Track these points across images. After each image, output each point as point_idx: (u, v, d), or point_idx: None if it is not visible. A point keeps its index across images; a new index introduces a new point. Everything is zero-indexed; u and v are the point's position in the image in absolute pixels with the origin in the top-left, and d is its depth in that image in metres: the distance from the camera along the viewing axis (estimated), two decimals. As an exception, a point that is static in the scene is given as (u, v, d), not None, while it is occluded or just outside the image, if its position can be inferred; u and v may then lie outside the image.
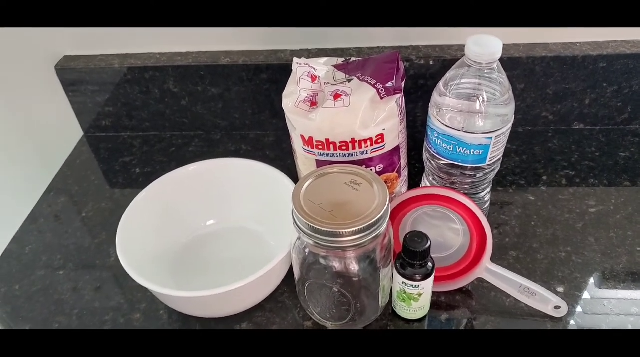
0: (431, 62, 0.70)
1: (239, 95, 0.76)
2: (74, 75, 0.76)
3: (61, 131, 0.84)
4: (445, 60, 0.70)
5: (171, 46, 0.76)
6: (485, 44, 0.49)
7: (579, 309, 0.54)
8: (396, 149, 0.57)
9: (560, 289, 0.56)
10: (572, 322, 0.53)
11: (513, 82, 0.71)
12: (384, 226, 0.46)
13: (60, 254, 0.65)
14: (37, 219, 0.70)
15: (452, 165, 0.56)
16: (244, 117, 0.79)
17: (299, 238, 0.48)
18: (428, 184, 0.63)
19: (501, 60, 0.52)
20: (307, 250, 0.49)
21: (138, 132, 0.83)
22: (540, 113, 0.76)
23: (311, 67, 0.56)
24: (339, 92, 0.53)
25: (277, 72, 0.73)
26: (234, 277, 0.49)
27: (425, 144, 0.59)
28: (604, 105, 0.74)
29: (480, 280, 0.55)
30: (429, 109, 0.56)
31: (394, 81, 0.54)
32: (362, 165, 0.54)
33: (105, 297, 0.59)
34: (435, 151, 0.56)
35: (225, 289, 0.48)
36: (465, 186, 0.59)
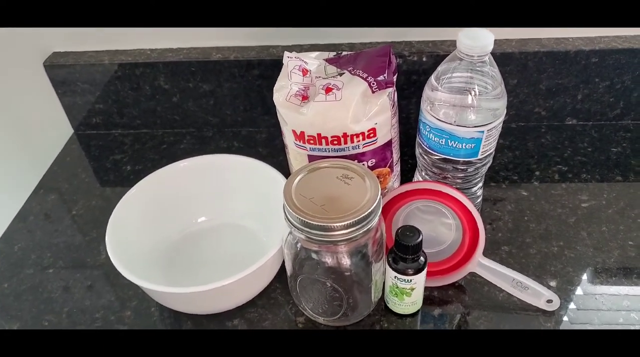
0: (424, 58, 0.70)
1: (231, 91, 0.76)
2: (63, 72, 0.75)
3: (51, 129, 0.84)
4: (438, 56, 0.70)
5: (162, 42, 0.75)
6: (476, 37, 0.49)
7: (571, 302, 0.54)
8: (388, 144, 0.57)
9: (553, 283, 0.56)
10: (564, 315, 0.53)
11: (506, 78, 0.71)
12: (376, 219, 0.45)
13: (50, 252, 0.64)
14: (26, 218, 0.69)
15: (445, 160, 0.56)
16: (236, 114, 0.79)
17: (290, 233, 0.48)
18: (420, 179, 0.62)
19: (494, 55, 0.52)
20: (299, 245, 0.48)
21: (129, 130, 0.82)
22: (533, 108, 0.76)
23: (302, 60, 0.55)
24: (330, 86, 0.53)
25: (269, 68, 0.72)
26: (225, 274, 0.49)
27: (417, 138, 0.59)
28: (597, 101, 0.74)
29: (473, 274, 0.55)
30: (421, 103, 0.55)
31: (385, 75, 0.53)
32: (354, 160, 0.53)
33: (96, 295, 0.58)
34: (428, 145, 0.56)
35: (216, 285, 0.48)
36: (458, 181, 0.58)
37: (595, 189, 0.67)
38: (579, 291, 0.55)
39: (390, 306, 0.54)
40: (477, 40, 0.49)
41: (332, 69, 0.56)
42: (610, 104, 0.74)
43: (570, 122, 0.77)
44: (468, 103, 0.51)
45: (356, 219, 0.43)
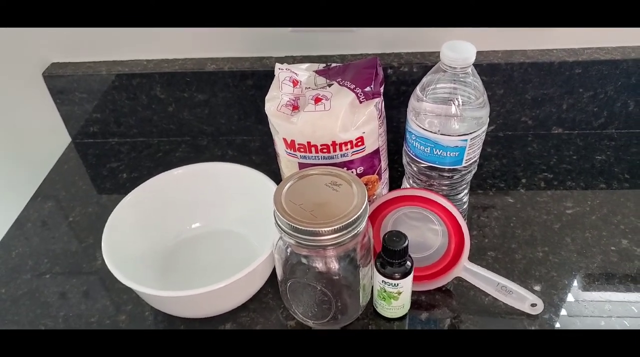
0: (414, 69, 0.72)
1: (225, 101, 0.78)
2: (61, 82, 0.77)
3: (49, 137, 0.85)
4: (427, 67, 0.71)
5: (158, 53, 0.77)
6: (459, 50, 0.51)
7: (554, 306, 0.56)
8: (376, 152, 0.59)
9: (537, 288, 0.57)
10: (547, 319, 0.54)
11: (492, 88, 0.74)
12: (363, 224, 0.47)
13: (47, 258, 0.65)
14: (23, 225, 0.70)
15: (430, 168, 0.58)
16: (230, 123, 0.81)
17: (280, 238, 0.49)
18: (408, 186, 0.64)
19: (480, 66, 0.53)
20: (289, 250, 0.50)
21: (125, 138, 0.84)
22: (520, 118, 0.78)
23: (293, 72, 0.57)
24: (319, 97, 0.55)
25: (262, 78, 0.74)
26: (218, 279, 0.50)
27: (404, 147, 0.61)
28: (581, 110, 0.76)
29: (459, 279, 0.57)
30: (407, 113, 0.57)
31: (372, 86, 0.55)
32: (343, 168, 0.55)
33: (91, 300, 0.60)
34: (414, 154, 0.58)
35: (209, 288, 0.49)
36: (444, 188, 0.60)
37: (579, 196, 0.68)
38: (562, 295, 0.57)
39: (379, 309, 0.55)
40: (460, 53, 0.51)
41: (321, 80, 0.58)
42: (594, 113, 0.76)
43: (556, 131, 0.79)
44: (452, 113, 0.53)
45: (343, 224, 0.45)
